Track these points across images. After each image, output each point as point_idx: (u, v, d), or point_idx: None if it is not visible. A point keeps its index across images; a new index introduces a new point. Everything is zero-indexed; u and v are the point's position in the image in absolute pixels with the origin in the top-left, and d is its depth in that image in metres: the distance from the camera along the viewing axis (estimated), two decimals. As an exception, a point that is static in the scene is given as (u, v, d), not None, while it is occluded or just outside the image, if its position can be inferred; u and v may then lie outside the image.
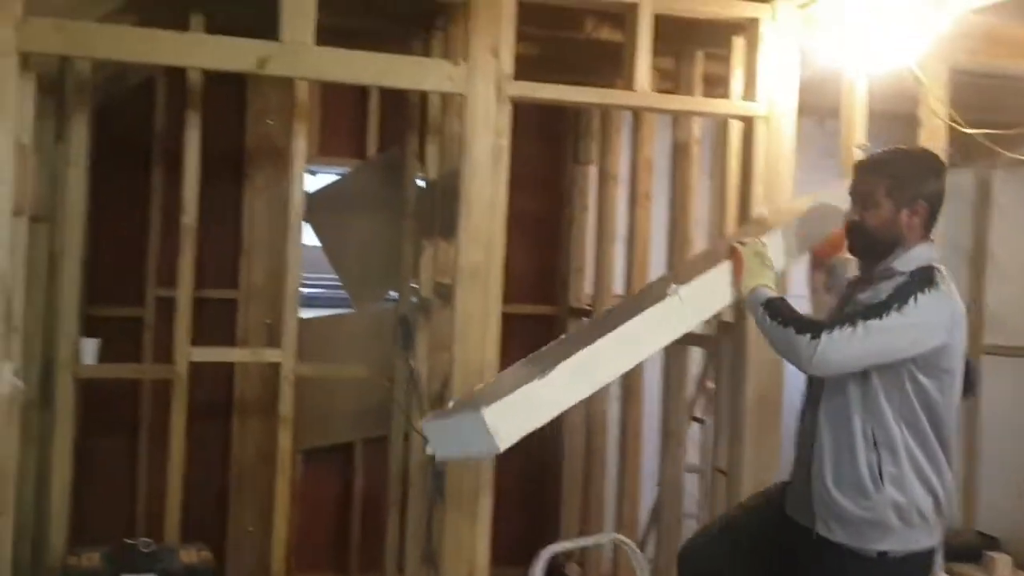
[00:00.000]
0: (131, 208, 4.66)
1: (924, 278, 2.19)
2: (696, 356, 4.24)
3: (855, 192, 2.34)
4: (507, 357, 5.13)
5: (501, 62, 3.00)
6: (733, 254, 2.47)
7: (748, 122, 3.29)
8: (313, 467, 4.92)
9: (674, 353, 3.96)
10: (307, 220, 4.69)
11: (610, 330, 2.38)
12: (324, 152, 4.91)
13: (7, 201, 2.67)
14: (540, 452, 5.27)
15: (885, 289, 2.21)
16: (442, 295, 3.37)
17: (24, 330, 3.05)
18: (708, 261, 2.65)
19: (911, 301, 2.14)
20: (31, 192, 2.94)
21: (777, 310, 2.28)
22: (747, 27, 3.30)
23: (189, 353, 3.48)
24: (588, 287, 4.98)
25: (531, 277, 5.27)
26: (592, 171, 5.00)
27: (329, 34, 3.76)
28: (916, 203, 2.24)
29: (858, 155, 3.57)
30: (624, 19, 3.23)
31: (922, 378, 2.19)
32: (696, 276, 2.52)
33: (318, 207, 4.64)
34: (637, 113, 4.09)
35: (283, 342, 3.53)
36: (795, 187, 5.37)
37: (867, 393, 2.23)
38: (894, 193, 2.25)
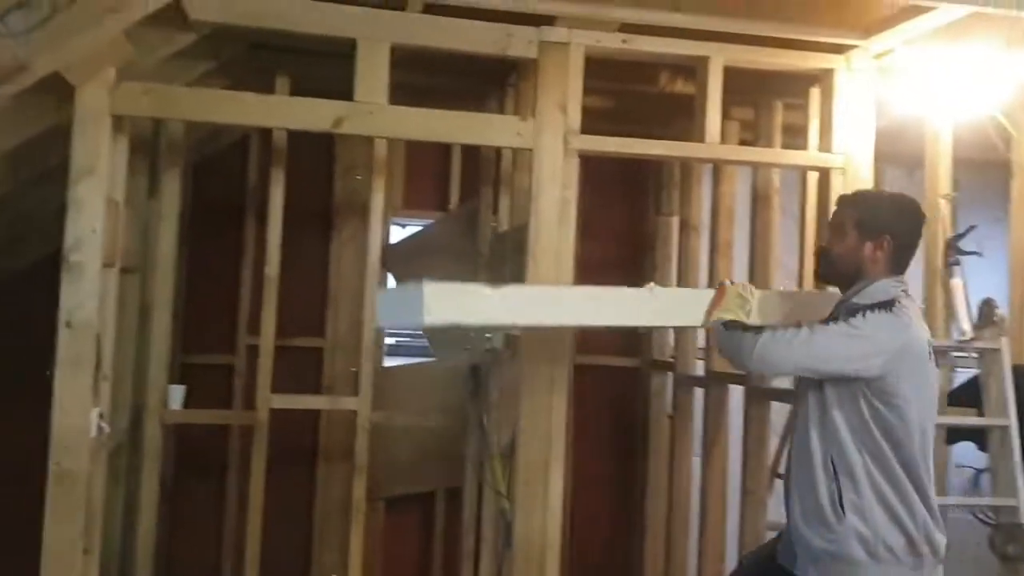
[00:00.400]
0: (225, 261, 4.85)
1: (881, 303, 2.19)
2: (778, 410, 4.14)
3: (830, 222, 2.42)
4: (585, 410, 5.18)
5: (568, 117, 3.04)
6: (719, 287, 2.52)
7: (824, 173, 3.23)
8: (396, 515, 4.96)
9: (754, 408, 3.87)
10: (389, 271, 4.81)
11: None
12: (408, 205, 5.03)
13: (97, 253, 2.80)
14: (622, 507, 5.21)
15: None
16: (511, 346, 3.39)
17: (115, 377, 3.19)
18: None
19: (859, 315, 2.18)
20: (122, 245, 3.10)
21: (734, 326, 2.34)
22: (822, 78, 3.26)
23: (269, 400, 3.57)
24: (671, 339, 4.93)
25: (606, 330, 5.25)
26: (674, 222, 4.97)
27: (410, 92, 3.90)
28: (882, 237, 2.26)
29: (943, 206, 3.49)
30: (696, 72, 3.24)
31: (878, 404, 2.15)
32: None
33: (400, 258, 4.74)
34: (716, 163, 4.06)
35: (360, 390, 3.60)
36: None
37: (826, 423, 2.21)
38: (861, 225, 2.29)
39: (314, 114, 2.93)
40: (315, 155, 4.78)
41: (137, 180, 3.47)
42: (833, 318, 2.28)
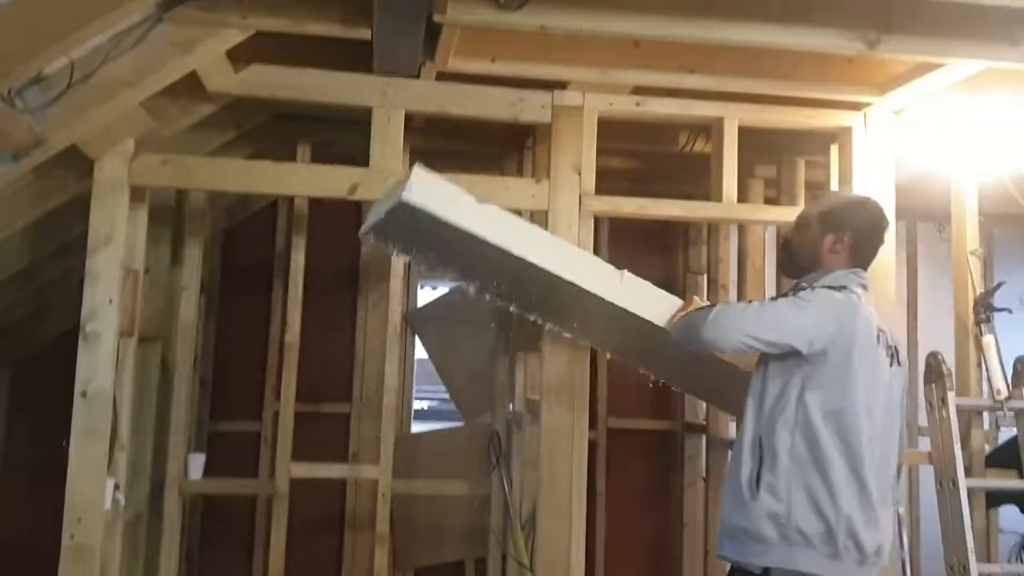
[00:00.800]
0: (254, 326, 4.87)
1: (830, 283, 2.20)
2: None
3: (796, 218, 2.46)
4: (620, 473, 5.09)
5: (583, 179, 3.03)
6: (688, 299, 2.53)
7: (845, 230, 3.17)
8: (426, 586, 4.88)
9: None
10: (417, 334, 4.81)
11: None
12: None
13: (113, 323, 2.82)
14: (658, 570, 5.08)
15: None
16: (532, 411, 3.34)
17: (134, 446, 3.20)
18: None
19: (808, 289, 2.20)
20: (140, 314, 3.12)
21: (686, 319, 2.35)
22: (840, 135, 3.23)
23: (289, 469, 3.55)
24: (704, 404, 4.84)
25: (643, 390, 5.17)
26: (702, 280, 4.92)
27: (432, 157, 3.92)
28: (842, 231, 2.27)
29: (973, 263, 3.40)
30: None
31: (821, 383, 2.10)
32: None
33: (426, 321, 4.74)
34: (734, 223, 4.02)
35: (381, 458, 3.56)
36: (914, 294, 5.20)
37: (762, 403, 2.19)
38: (824, 217, 2.33)
39: (330, 181, 2.95)
40: (344, 218, 4.81)
41: (160, 249, 3.52)
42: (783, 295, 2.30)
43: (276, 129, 3.68)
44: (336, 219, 4.77)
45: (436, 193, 2.40)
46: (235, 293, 4.84)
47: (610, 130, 3.57)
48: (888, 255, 3.13)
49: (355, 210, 4.82)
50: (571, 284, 2.52)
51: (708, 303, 2.47)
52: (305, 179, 2.96)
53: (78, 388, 2.78)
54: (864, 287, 2.25)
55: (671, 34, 2.57)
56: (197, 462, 3.65)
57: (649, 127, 3.62)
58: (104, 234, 2.84)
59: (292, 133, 3.72)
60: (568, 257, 2.57)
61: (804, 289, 2.20)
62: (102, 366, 2.80)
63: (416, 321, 4.82)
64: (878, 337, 2.15)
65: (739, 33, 2.55)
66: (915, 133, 3.31)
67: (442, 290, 5.24)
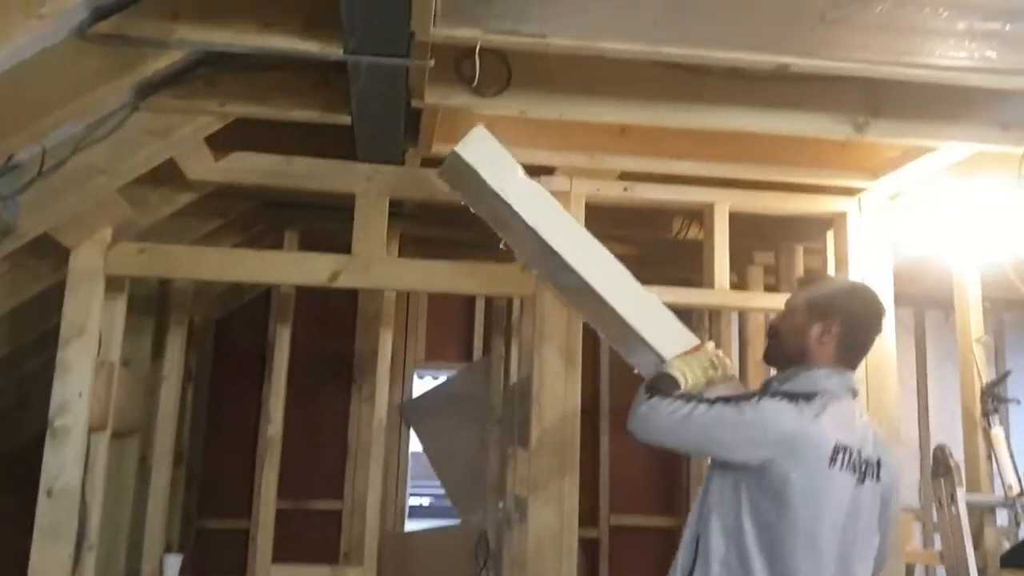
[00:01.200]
0: (244, 418, 4.76)
1: (798, 388, 2.00)
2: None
3: (785, 303, 2.23)
4: (623, 572, 4.89)
5: (571, 266, 2.94)
6: (700, 344, 2.33)
7: (843, 318, 3.06)
8: None
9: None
10: (410, 425, 4.69)
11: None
12: (432, 356, 4.95)
13: (83, 417, 2.73)
14: None
15: None
16: (520, 509, 3.19)
17: (106, 546, 3.07)
18: None
19: (753, 400, 1.98)
20: (116, 407, 3.02)
21: (655, 378, 2.14)
22: (835, 221, 3.16)
23: (269, 570, 3.39)
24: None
25: (646, 484, 5.02)
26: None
27: (426, 244, 3.88)
28: (831, 320, 2.05)
29: (979, 351, 3.29)
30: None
31: (758, 497, 1.93)
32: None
33: (421, 412, 4.62)
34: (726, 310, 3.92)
35: (365, 559, 3.41)
36: (924, 383, 5.06)
37: (705, 502, 2.02)
38: (812, 305, 2.10)
39: (311, 268, 2.88)
40: (338, 305, 4.75)
41: (141, 339, 3.44)
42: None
43: (264, 217, 3.64)
44: (333, 306, 4.72)
45: (488, 155, 2.40)
46: (227, 384, 4.75)
47: (605, 215, 3.53)
48: (889, 344, 3.04)
49: (351, 297, 4.77)
50: (592, 288, 2.44)
51: (718, 352, 2.30)
52: (285, 267, 2.90)
53: (43, 486, 2.68)
54: (849, 390, 2.06)
55: (655, 120, 2.53)
56: (173, 564, 3.50)
57: (644, 212, 3.57)
58: (77, 325, 2.77)
59: (280, 221, 3.67)
60: (600, 262, 2.48)
61: (752, 399, 2.00)
62: (70, 463, 2.70)
63: (410, 412, 4.70)
64: (840, 457, 1.94)
65: (725, 119, 2.50)
66: (912, 217, 3.24)
67: (439, 378, 5.12)
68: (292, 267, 2.90)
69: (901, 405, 5.08)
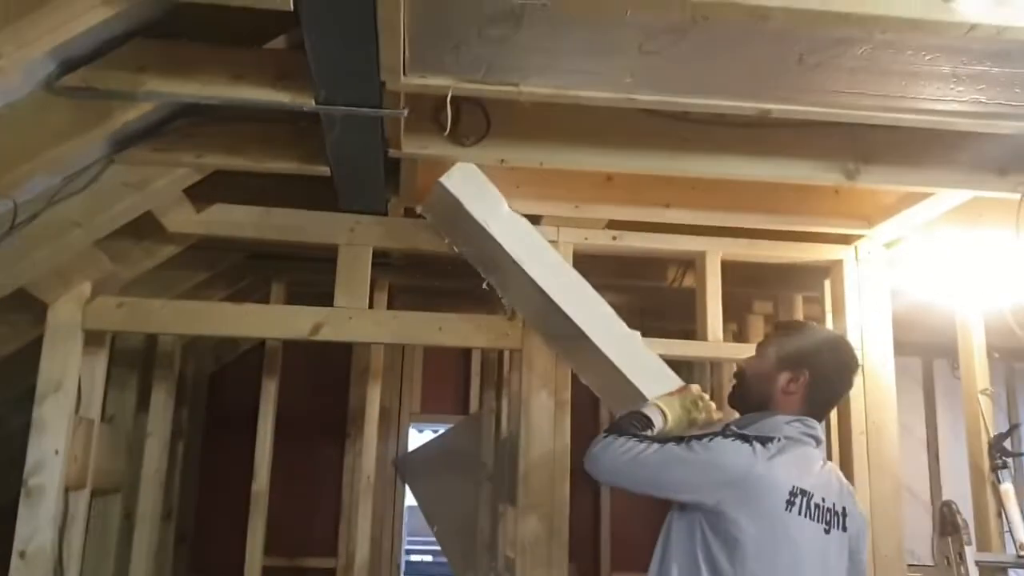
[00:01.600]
0: (237, 473, 4.64)
1: (757, 431, 1.91)
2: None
3: (756, 347, 2.16)
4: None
5: (559, 317, 2.88)
6: (685, 385, 2.28)
7: (841, 369, 2.97)
8: None
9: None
10: (405, 480, 4.59)
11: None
12: (427, 408, 4.87)
13: (58, 476, 2.66)
14: None
15: None
16: (510, 570, 3.09)
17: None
18: None
19: (705, 440, 1.88)
20: (97, 465, 2.95)
21: (619, 418, 2.06)
22: (832, 269, 3.08)
23: (252, 634, 3.29)
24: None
25: (649, 541, 4.85)
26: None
27: (415, 295, 3.82)
28: (800, 369, 1.97)
29: (985, 402, 3.19)
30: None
31: (711, 538, 1.83)
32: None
33: (416, 466, 4.52)
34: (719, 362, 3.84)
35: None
36: (934, 435, 4.94)
37: (668, 540, 1.92)
38: (782, 352, 2.02)
39: (292, 322, 2.83)
40: (337, 359, 4.69)
41: (126, 395, 3.38)
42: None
43: (252, 269, 3.59)
44: (326, 360, 4.66)
45: (473, 187, 2.44)
46: (220, 439, 4.68)
47: (598, 265, 3.46)
48: (889, 395, 2.95)
49: (347, 350, 4.71)
50: (575, 325, 2.39)
51: (703, 395, 2.23)
52: (265, 321, 2.84)
53: (16, 547, 2.60)
54: (813, 439, 1.95)
55: (638, 168, 2.48)
56: (156, 624, 3.40)
57: (637, 261, 3.50)
58: (54, 381, 2.71)
59: (267, 273, 3.62)
60: (584, 300, 2.50)
61: (704, 438, 1.89)
62: (44, 523, 2.63)
63: (405, 467, 4.60)
64: (798, 501, 1.85)
65: (709, 166, 2.45)
66: (911, 265, 3.16)
67: (435, 431, 5.03)
68: (272, 321, 2.84)
69: (910, 458, 5.04)
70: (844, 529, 1.91)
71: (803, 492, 1.85)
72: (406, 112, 2.13)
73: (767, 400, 1.99)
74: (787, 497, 1.83)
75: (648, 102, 2.04)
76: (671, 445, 1.90)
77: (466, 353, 4.84)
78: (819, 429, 1.97)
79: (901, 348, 4.88)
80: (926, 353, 5.10)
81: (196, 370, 4.38)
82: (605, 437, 1.95)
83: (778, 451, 1.87)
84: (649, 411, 2.09)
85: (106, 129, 2.17)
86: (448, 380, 4.93)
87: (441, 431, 4.80)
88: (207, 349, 4.45)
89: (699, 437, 1.90)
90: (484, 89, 2.00)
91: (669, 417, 2.10)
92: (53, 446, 2.67)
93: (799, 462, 1.89)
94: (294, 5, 1.66)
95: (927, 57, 1.81)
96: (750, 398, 2.05)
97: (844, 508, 1.91)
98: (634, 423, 2.01)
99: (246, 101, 2.09)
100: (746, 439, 1.87)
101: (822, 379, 1.98)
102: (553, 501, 2.77)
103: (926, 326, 3.80)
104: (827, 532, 1.87)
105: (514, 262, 2.42)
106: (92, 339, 2.85)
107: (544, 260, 2.46)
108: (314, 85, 2.01)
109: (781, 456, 1.86)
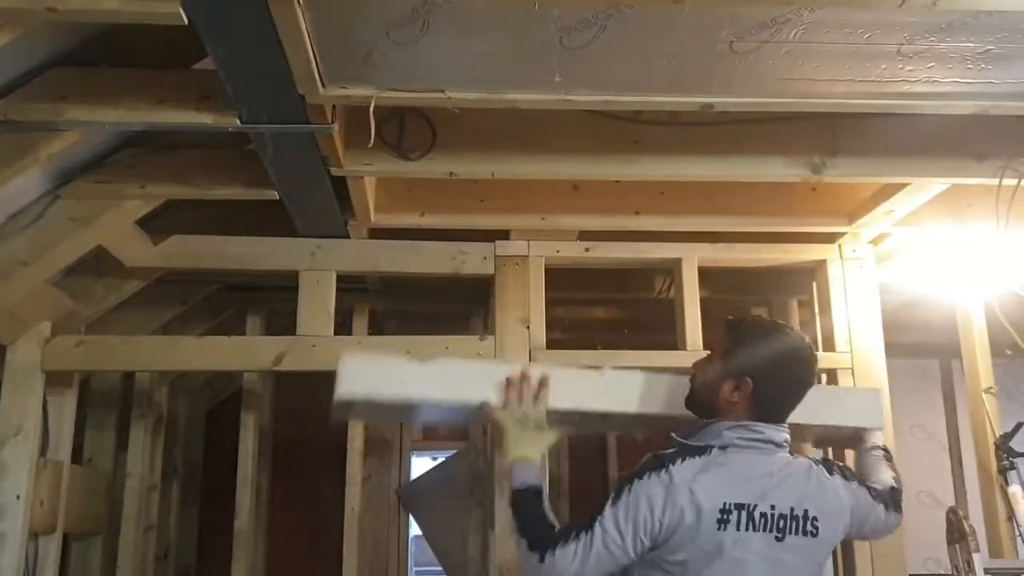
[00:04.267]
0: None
1: (661, 458, 1.79)
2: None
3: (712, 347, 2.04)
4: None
5: (532, 332, 2.79)
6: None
7: (831, 375, 2.84)
8: None
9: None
10: (408, 509, 4.49)
11: None
12: (428, 435, 4.78)
13: (20, 522, 2.59)
14: None
15: None
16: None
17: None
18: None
19: (626, 490, 1.77)
20: (68, 508, 2.89)
21: (523, 519, 1.86)
22: (816, 270, 2.95)
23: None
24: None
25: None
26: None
27: (390, 318, 3.74)
28: (742, 378, 1.84)
29: (989, 401, 3.03)
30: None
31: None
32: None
33: (418, 496, 4.43)
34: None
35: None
36: (955, 439, 4.74)
37: None
38: (728, 358, 1.89)
39: (254, 353, 2.76)
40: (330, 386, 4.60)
41: (104, 436, 3.33)
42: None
43: (228, 301, 3.53)
44: (324, 390, 4.57)
45: (371, 376, 2.09)
46: (219, 475, 4.58)
47: (582, 278, 3.36)
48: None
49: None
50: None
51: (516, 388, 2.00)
52: (226, 353, 2.76)
53: (-21, 596, 2.53)
54: (764, 443, 1.83)
55: (592, 174, 2.39)
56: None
57: (623, 273, 3.39)
58: (14, 424, 2.65)
59: (243, 305, 3.56)
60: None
61: (624, 490, 1.77)
62: (7, 570, 2.56)
63: (407, 496, 4.51)
64: (732, 518, 1.73)
65: (667, 168, 2.35)
66: (905, 262, 3.02)
67: (437, 459, 4.93)
68: (233, 353, 2.76)
69: (932, 462, 4.85)
70: (810, 535, 1.78)
71: (739, 506, 1.74)
72: (335, 126, 2.05)
73: (713, 409, 1.89)
74: (718, 516, 1.73)
75: (585, 102, 1.95)
76: (598, 519, 1.77)
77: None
78: (772, 431, 1.85)
79: (918, 350, 4.74)
80: (944, 355, 4.91)
81: (189, 407, 4.32)
82: (541, 559, 1.77)
83: (705, 466, 1.77)
84: (522, 483, 1.90)
85: (32, 161, 2.10)
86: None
87: (442, 459, 4.70)
88: (200, 385, 4.39)
89: (616, 494, 1.79)
90: (409, 97, 1.91)
91: (516, 454, 1.94)
92: (15, 491, 2.60)
93: (737, 473, 1.79)
94: (189, 20, 1.59)
95: (866, 35, 1.70)
96: (699, 407, 1.95)
97: (807, 511, 1.79)
98: (538, 519, 1.85)
99: (169, 125, 2.02)
100: (656, 466, 1.77)
101: (766, 386, 1.85)
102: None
103: (941, 326, 3.64)
104: (780, 540, 1.75)
105: (459, 405, 2.13)
106: (56, 379, 2.79)
107: (483, 378, 2.09)
108: (235, 104, 1.94)
109: (709, 472, 1.77)
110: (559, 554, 1.77)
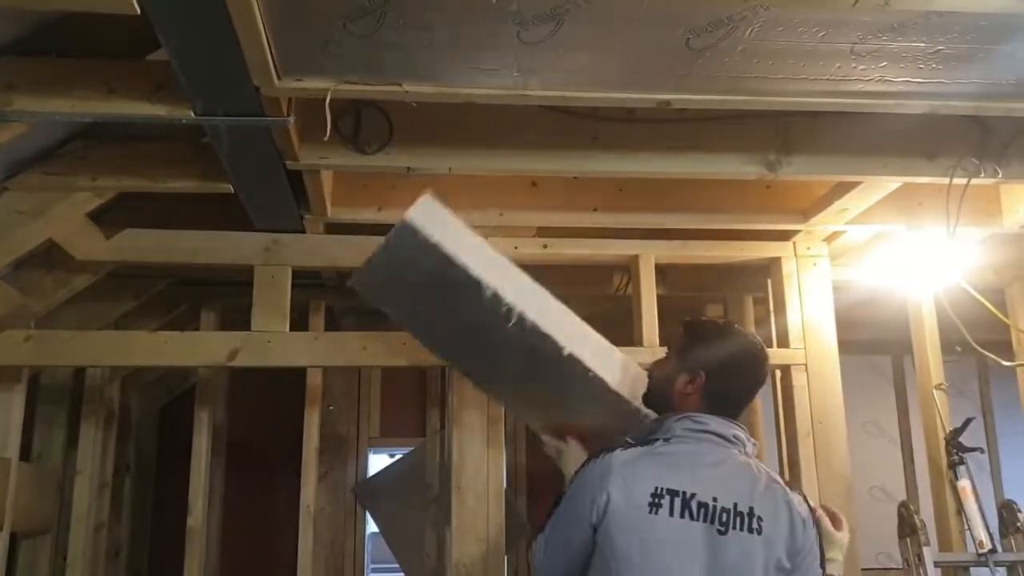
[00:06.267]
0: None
1: (607, 449, 1.85)
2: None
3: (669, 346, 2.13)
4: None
5: (489, 331, 2.77)
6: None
7: (784, 371, 2.87)
8: None
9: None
10: (365, 507, 4.46)
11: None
12: (386, 432, 4.74)
13: (-35, 520, 2.54)
14: None
15: None
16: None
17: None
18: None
19: (576, 478, 1.88)
20: (14, 506, 2.83)
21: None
22: (771, 267, 2.98)
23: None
24: None
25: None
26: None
27: (353, 316, 3.71)
28: (696, 372, 1.91)
29: (940, 398, 3.08)
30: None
31: (596, 561, 1.77)
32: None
33: (376, 493, 4.40)
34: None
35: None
36: (907, 434, 4.81)
37: None
38: (682, 353, 1.97)
39: (208, 348, 2.72)
40: (290, 386, 4.56)
41: (54, 432, 3.27)
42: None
43: (182, 296, 3.48)
44: (282, 386, 4.53)
45: (445, 223, 2.11)
46: (173, 472, 4.52)
47: (543, 275, 3.35)
48: (836, 395, 2.84)
49: (299, 375, 4.58)
50: (558, 349, 2.16)
51: None
52: (179, 348, 2.72)
53: (-78, 596, 2.48)
54: (708, 435, 1.84)
55: (550, 170, 2.39)
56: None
57: (582, 269, 3.39)
58: (-40, 420, 2.59)
59: (196, 300, 3.51)
60: (547, 310, 2.25)
61: (576, 479, 1.85)
62: (-50, 571, 2.50)
63: (363, 493, 4.48)
64: (664, 502, 1.74)
65: (623, 164, 2.35)
66: (858, 259, 3.07)
67: (394, 455, 4.90)
68: (187, 348, 2.72)
69: (884, 458, 4.92)
70: (754, 532, 1.77)
71: (672, 492, 1.75)
72: (292, 120, 2.02)
73: (669, 402, 1.93)
74: (649, 500, 1.75)
75: (542, 97, 1.94)
76: (557, 508, 1.89)
77: (422, 374, 4.72)
78: (718, 424, 1.87)
79: (871, 347, 4.81)
80: (896, 351, 4.99)
81: (142, 403, 4.26)
82: (535, 540, 1.93)
83: (645, 454, 1.81)
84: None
85: (-22, 153, 2.06)
86: (407, 403, 4.80)
87: (400, 456, 4.67)
88: (154, 381, 4.33)
89: (571, 480, 1.90)
90: (366, 90, 1.90)
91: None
92: (-41, 489, 2.55)
93: (675, 461, 1.81)
94: (142, 8, 1.56)
95: (820, 34, 1.72)
96: (656, 402, 2.00)
97: (752, 509, 1.78)
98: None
99: (120, 116, 1.98)
100: (606, 452, 1.83)
101: (718, 378, 1.89)
102: (491, 524, 2.65)
103: (893, 324, 3.69)
104: (722, 533, 1.75)
105: (491, 298, 2.11)
106: (4, 375, 2.74)
107: (524, 289, 2.19)
108: (189, 95, 1.91)
109: (646, 459, 1.80)
110: (535, 546, 1.90)
